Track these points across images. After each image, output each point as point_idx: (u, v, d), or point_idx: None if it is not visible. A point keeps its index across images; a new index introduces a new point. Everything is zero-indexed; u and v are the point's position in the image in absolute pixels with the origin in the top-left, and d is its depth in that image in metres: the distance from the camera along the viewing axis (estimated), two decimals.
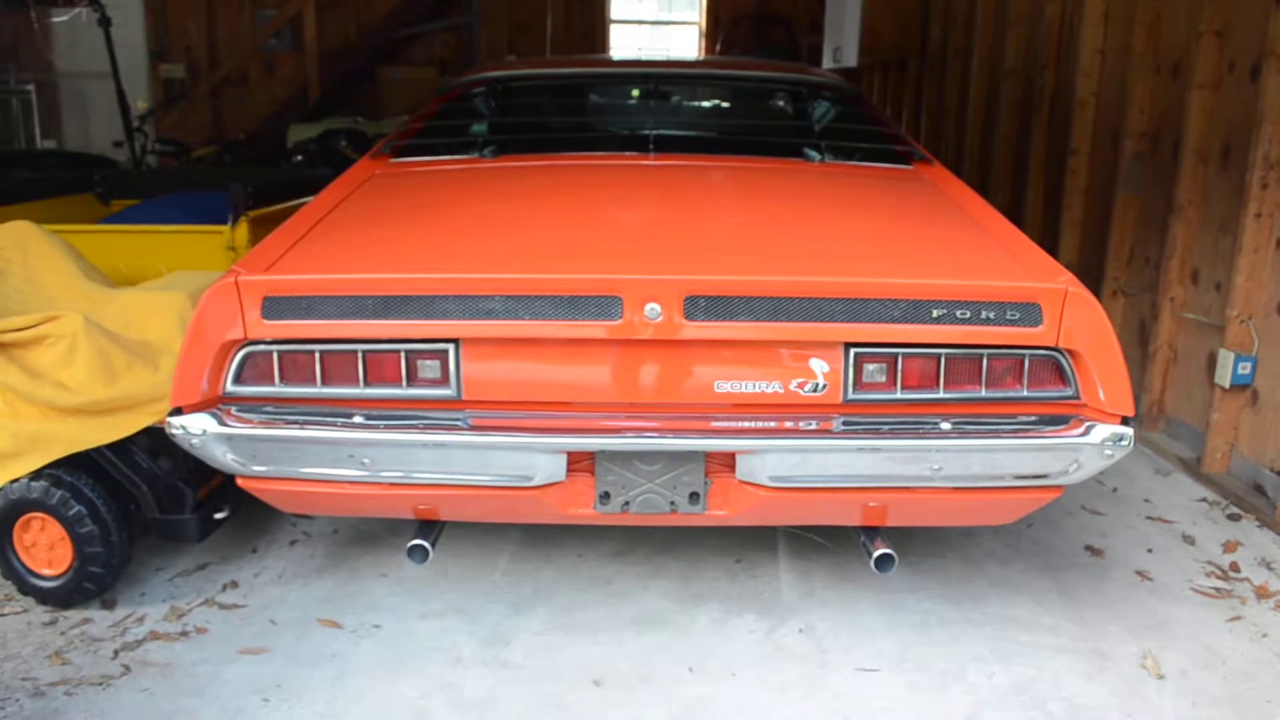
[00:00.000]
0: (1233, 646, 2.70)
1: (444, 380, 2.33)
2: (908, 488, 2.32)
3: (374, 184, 3.07)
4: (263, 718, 2.35)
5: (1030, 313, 2.21)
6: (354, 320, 2.28)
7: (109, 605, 2.84)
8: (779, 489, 2.33)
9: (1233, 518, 3.49)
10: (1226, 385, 3.71)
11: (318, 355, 2.33)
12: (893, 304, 2.21)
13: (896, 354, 2.28)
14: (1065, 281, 2.25)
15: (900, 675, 2.55)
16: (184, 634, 2.70)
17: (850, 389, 2.30)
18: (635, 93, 3.82)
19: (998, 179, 6.12)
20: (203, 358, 2.32)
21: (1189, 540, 3.32)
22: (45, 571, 2.81)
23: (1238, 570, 3.11)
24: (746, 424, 2.30)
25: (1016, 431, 2.26)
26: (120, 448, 2.77)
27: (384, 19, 9.27)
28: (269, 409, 2.36)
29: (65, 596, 2.80)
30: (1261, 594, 2.97)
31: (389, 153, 3.34)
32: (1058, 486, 2.34)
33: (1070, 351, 2.25)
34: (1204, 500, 3.64)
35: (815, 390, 2.30)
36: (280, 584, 2.97)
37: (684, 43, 10.38)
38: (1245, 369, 3.67)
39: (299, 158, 5.67)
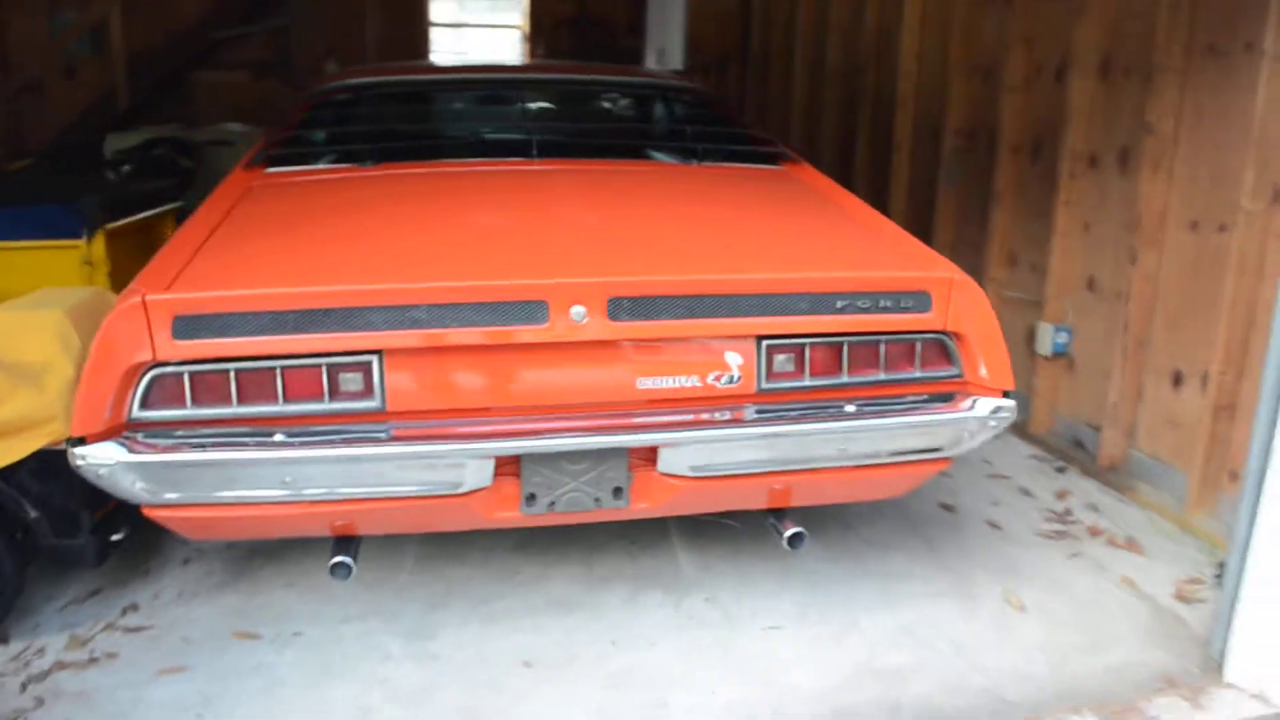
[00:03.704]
0: (1076, 579, 3.09)
1: (368, 392, 2.32)
2: (815, 469, 2.49)
3: (256, 196, 3.00)
4: None
5: (921, 300, 2.44)
6: (273, 336, 2.23)
7: (2, 640, 2.72)
8: (698, 479, 2.45)
9: (1060, 470, 3.94)
10: (1047, 354, 4.17)
11: (233, 374, 2.27)
12: (799, 297, 2.38)
13: (804, 344, 2.44)
14: (951, 270, 2.51)
15: (802, 630, 2.79)
16: (93, 660, 2.63)
17: (763, 379, 2.45)
18: (507, 98, 3.86)
19: (826, 174, 6.52)
20: (107, 383, 2.22)
21: (1026, 492, 3.73)
22: None
23: (1070, 515, 3.53)
24: (668, 418, 2.40)
25: (912, 409, 2.47)
26: (7, 473, 2.66)
27: (196, 22, 8.87)
28: (179, 433, 2.27)
29: None
30: (1093, 533, 3.39)
31: (263, 163, 3.25)
32: (948, 458, 2.59)
33: (956, 334, 2.50)
34: (1034, 457, 4.08)
35: (731, 382, 2.44)
36: (183, 603, 2.92)
37: (506, 46, 10.42)
38: (1062, 339, 4.13)
39: (126, 167, 5.42)
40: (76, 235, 3.69)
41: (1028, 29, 4.33)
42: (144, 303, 2.22)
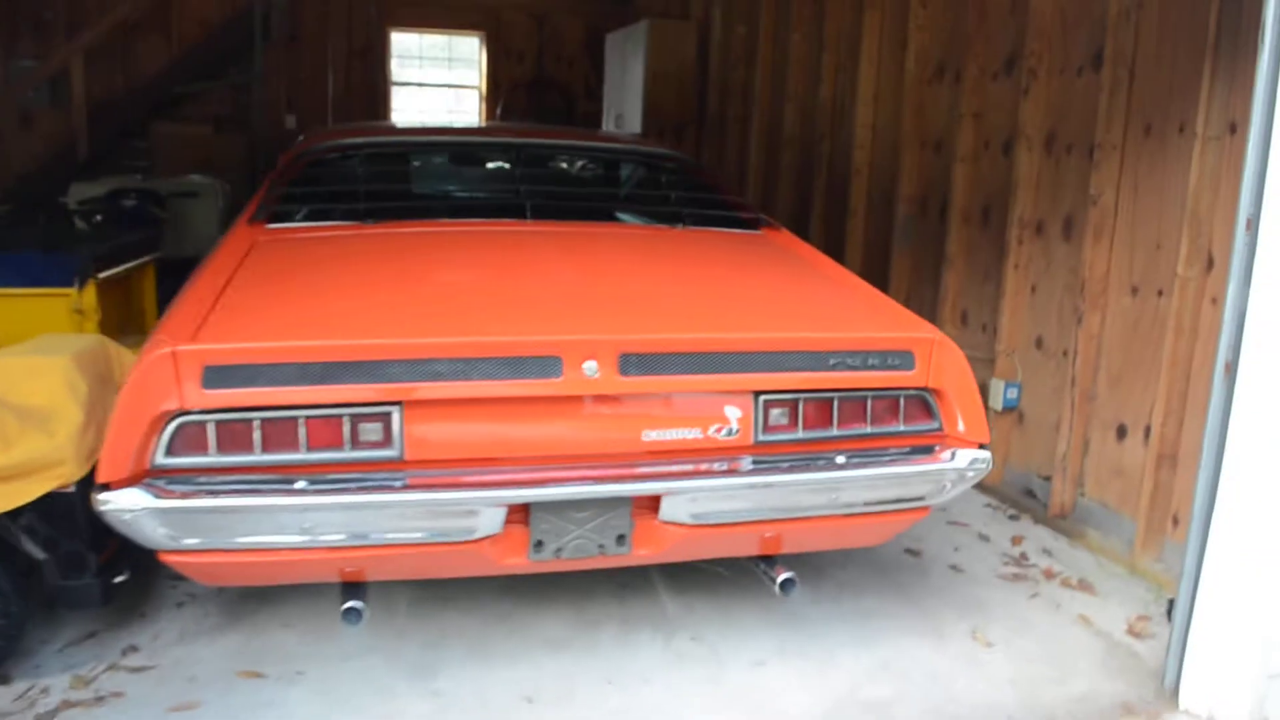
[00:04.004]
0: (1036, 617, 3.30)
1: (387, 442, 2.40)
2: (806, 517, 2.63)
3: (264, 251, 3.09)
4: None
5: (905, 359, 2.64)
6: (298, 386, 2.31)
7: (4, 680, 2.75)
8: (697, 526, 2.57)
9: (1013, 517, 4.18)
10: (999, 409, 4.43)
11: (257, 423, 2.33)
12: (794, 355, 2.56)
13: (798, 399, 2.61)
14: (932, 332, 2.72)
15: (786, 664, 2.94)
16: (99, 699, 2.67)
17: (760, 431, 2.59)
18: (498, 160, 4.04)
19: None
20: (134, 431, 2.28)
21: (984, 538, 3.95)
22: None
23: (1027, 558, 3.75)
24: (671, 468, 2.53)
25: (897, 461, 2.65)
26: (16, 514, 2.71)
27: (159, 74, 8.96)
28: (202, 480, 2.32)
29: None
30: (1048, 575, 3.61)
31: (265, 218, 3.32)
32: (927, 507, 2.77)
33: (936, 390, 2.69)
34: (989, 505, 4.32)
35: (730, 434, 2.59)
36: (184, 644, 2.97)
37: (465, 105, 10.66)
38: (1013, 394, 4.40)
39: (98, 217, 5.47)
40: (67, 284, 3.76)
41: (977, 105, 4.66)
42: (174, 353, 2.29)
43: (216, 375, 2.29)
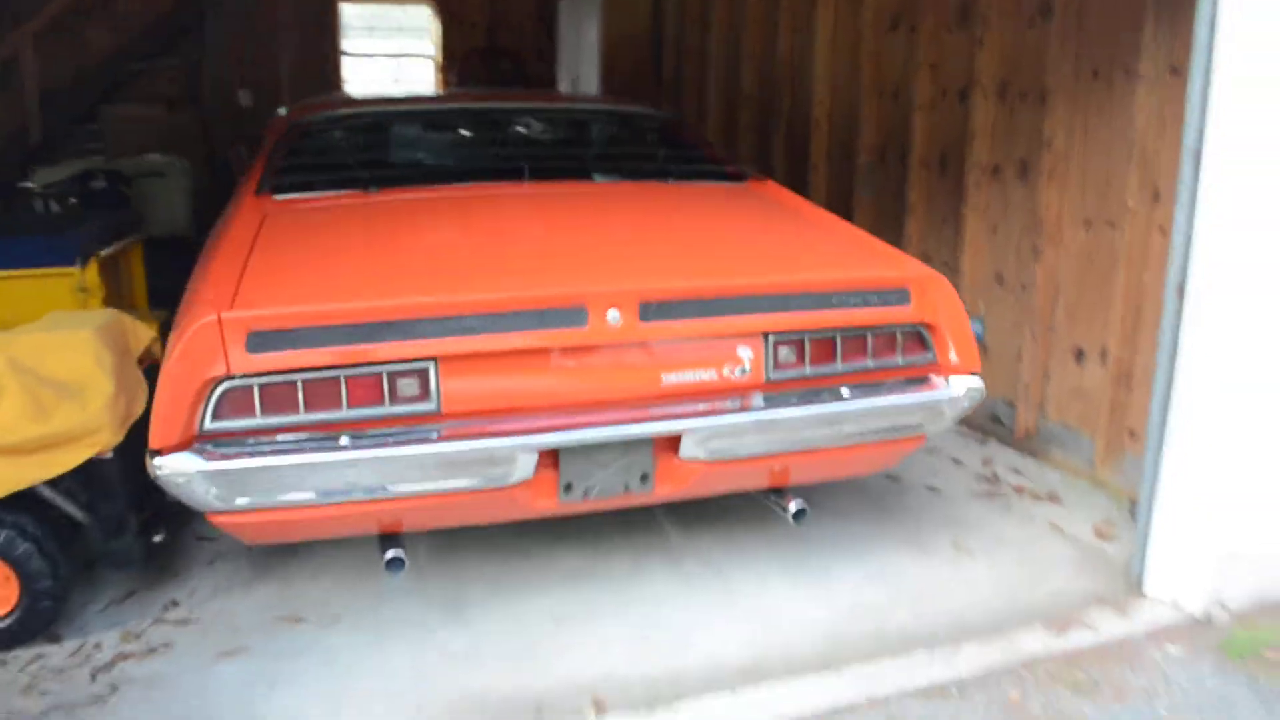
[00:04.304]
0: (1010, 527, 3.58)
1: (424, 396, 2.52)
2: (815, 449, 2.80)
3: (278, 221, 3.18)
4: (277, 699, 2.60)
5: (902, 295, 2.83)
6: (339, 347, 2.42)
7: (55, 640, 2.89)
8: (714, 462, 2.73)
9: (982, 442, 4.46)
10: None
11: (300, 383, 2.43)
12: (801, 296, 2.73)
13: (804, 338, 2.78)
14: (925, 269, 2.92)
15: (788, 581, 3.18)
16: (151, 650, 2.84)
17: (770, 369, 2.76)
18: (488, 125, 4.12)
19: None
20: (183, 397, 2.37)
21: (957, 461, 4.23)
22: None
23: (997, 478, 4.04)
24: (690, 408, 2.68)
25: (898, 391, 2.84)
26: (58, 481, 2.85)
27: (109, 56, 8.87)
28: (250, 441, 2.42)
29: (12, 637, 2.84)
30: (1018, 491, 3.90)
31: (270, 190, 3.42)
32: (924, 434, 2.96)
33: (930, 325, 2.89)
34: (958, 433, 4.59)
35: (743, 374, 2.74)
36: (220, 598, 3.13)
37: (418, 75, 10.67)
38: (977, 328, 4.64)
39: (73, 200, 5.51)
40: (70, 263, 3.85)
41: (933, 56, 4.88)
42: (219, 320, 2.38)
43: (261, 340, 2.38)
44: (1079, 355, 4.12)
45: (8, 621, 2.82)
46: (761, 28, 6.65)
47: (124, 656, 2.81)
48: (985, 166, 4.56)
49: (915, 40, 4.94)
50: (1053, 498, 3.81)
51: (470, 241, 3.04)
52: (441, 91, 5.46)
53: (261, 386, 2.43)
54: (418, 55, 10.72)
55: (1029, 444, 4.33)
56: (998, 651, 2.76)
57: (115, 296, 4.14)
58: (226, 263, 2.81)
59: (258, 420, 2.44)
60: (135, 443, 2.98)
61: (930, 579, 3.20)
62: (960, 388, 2.90)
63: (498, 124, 4.15)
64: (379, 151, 3.88)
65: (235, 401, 2.42)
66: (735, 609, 3.02)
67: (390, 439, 2.48)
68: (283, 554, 3.40)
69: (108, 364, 3.01)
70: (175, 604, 3.09)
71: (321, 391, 2.47)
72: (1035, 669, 2.69)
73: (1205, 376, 2.91)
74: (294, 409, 2.45)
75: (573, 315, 2.55)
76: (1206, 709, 2.53)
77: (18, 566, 2.79)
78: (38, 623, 2.85)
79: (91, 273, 3.87)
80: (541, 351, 2.61)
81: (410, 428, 2.52)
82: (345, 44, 10.10)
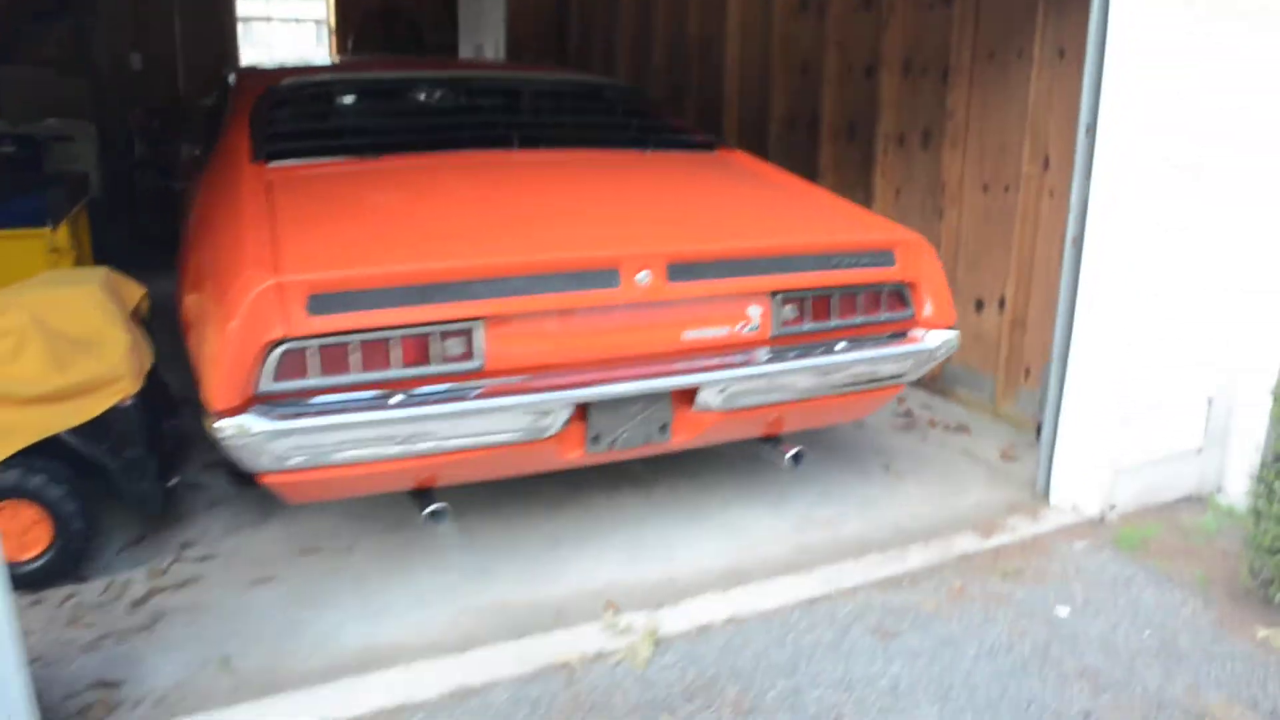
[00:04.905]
0: (929, 453, 4.12)
1: (469, 354, 2.64)
2: (811, 398, 3.06)
3: (286, 188, 3.18)
4: (318, 615, 2.87)
5: (887, 257, 3.13)
6: (394, 308, 2.51)
7: (82, 579, 3.06)
8: (724, 412, 2.95)
9: None
10: None
11: (355, 344, 2.52)
12: (805, 258, 3.00)
13: (805, 296, 3.03)
14: (907, 233, 3.24)
15: (748, 501, 3.61)
16: (182, 584, 3.05)
17: (776, 326, 3.01)
18: (470, 95, 4.23)
19: None
20: (243, 359, 2.42)
21: None
22: (20, 557, 2.98)
23: (912, 413, 4.57)
24: (708, 361, 2.90)
25: (886, 344, 3.14)
26: (86, 429, 3.01)
27: None
28: (309, 402, 2.50)
29: (44, 578, 2.99)
30: (932, 424, 4.44)
31: (264, 158, 3.39)
32: (903, 383, 3.30)
33: (911, 283, 3.19)
34: None
35: (753, 330, 2.98)
36: (233, 536, 3.35)
37: (311, 39, 10.59)
38: None
39: None
40: (42, 224, 3.91)
41: (840, 35, 5.34)
42: (279, 284, 2.44)
43: (322, 302, 2.46)
44: (979, 305, 4.68)
45: (41, 561, 2.98)
46: (671, 8, 7.00)
47: (157, 590, 3.01)
48: (892, 136, 5.07)
49: (824, 21, 5.39)
50: (962, 428, 4.36)
51: (488, 207, 3.15)
52: (414, 59, 5.47)
53: (321, 347, 2.50)
54: (312, 20, 10.62)
55: (937, 384, 4.88)
56: (937, 551, 3.26)
57: (80, 256, 4.21)
58: (251, 228, 2.82)
59: (314, 381, 2.51)
60: (148, 392, 3.18)
61: (871, 496, 3.69)
62: (938, 339, 3.22)
63: (480, 93, 4.23)
64: (367, 119, 3.91)
65: (293, 363, 2.48)
66: (707, 525, 3.43)
67: (444, 395, 2.60)
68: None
69: (116, 316, 3.18)
70: (190, 544, 3.29)
71: (374, 351, 2.55)
72: (970, 562, 3.19)
73: (1099, 313, 3.44)
74: (347, 369, 2.53)
75: (607, 276, 2.73)
76: (1111, 585, 3.08)
77: (51, 508, 2.95)
78: (69, 562, 3.01)
79: (62, 234, 3.94)
80: (576, 310, 2.77)
81: (458, 385, 2.65)
82: (242, 7, 9.96)
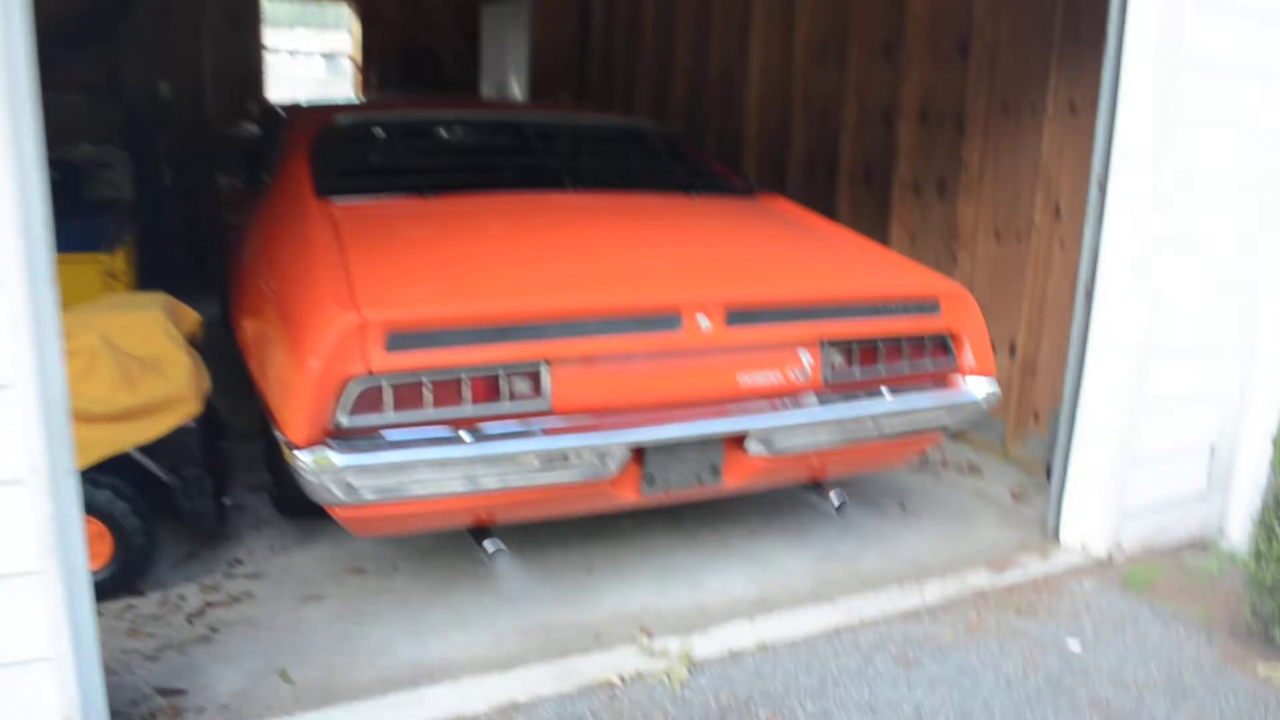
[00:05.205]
0: (943, 493, 4.28)
1: (536, 394, 2.71)
2: (856, 445, 3.11)
3: (353, 225, 3.25)
4: (367, 632, 3.01)
5: (934, 306, 3.21)
6: (467, 347, 2.60)
7: (138, 593, 3.20)
8: (773, 457, 3.00)
9: None
10: None
11: (427, 382, 2.59)
12: (853, 305, 3.09)
13: (853, 344, 3.11)
14: (951, 284, 3.34)
15: (772, 533, 3.76)
16: (235, 599, 3.20)
17: (827, 372, 3.07)
18: (520, 137, 4.31)
19: None
20: (322, 394, 2.49)
21: None
22: None
23: (926, 455, 4.72)
24: (762, 406, 2.97)
25: (931, 393, 3.22)
26: (150, 447, 3.17)
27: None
28: (383, 438, 2.57)
29: (103, 590, 3.10)
30: (944, 465, 4.60)
31: (329, 194, 3.48)
32: (944, 431, 3.39)
33: (954, 334, 3.27)
34: None
35: (804, 376, 3.04)
36: (280, 555, 3.49)
37: (321, 72, 10.82)
38: None
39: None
40: (97, 249, 4.08)
41: (859, 83, 5.56)
42: (362, 321, 2.51)
43: (400, 340, 2.53)
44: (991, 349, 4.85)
45: (101, 575, 3.11)
46: (692, 51, 7.23)
47: (211, 605, 3.15)
48: (907, 182, 5.26)
49: (844, 69, 5.60)
50: (973, 469, 4.53)
51: (547, 249, 3.23)
52: (463, 100, 5.58)
53: (395, 385, 2.57)
54: (338, 54, 10.86)
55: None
56: (954, 585, 3.41)
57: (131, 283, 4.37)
58: (324, 264, 2.91)
59: (388, 416, 2.58)
60: (206, 414, 3.35)
61: (888, 532, 3.84)
62: (981, 389, 3.31)
63: (533, 135, 4.30)
64: (424, 158, 4.01)
65: (369, 399, 2.55)
66: (734, 556, 3.59)
67: (514, 434, 2.67)
68: (324, 516, 3.76)
69: (180, 340, 3.36)
70: (240, 561, 3.44)
71: (446, 389, 2.63)
72: (985, 598, 3.35)
73: (1109, 361, 3.60)
74: (420, 405, 2.59)
75: (669, 320, 2.81)
76: (1119, 622, 3.24)
77: (113, 524, 3.10)
78: (128, 576, 3.16)
79: (120, 259, 4.11)
80: (639, 354, 2.85)
81: (526, 423, 2.72)
82: (268, 39, 10.19)
